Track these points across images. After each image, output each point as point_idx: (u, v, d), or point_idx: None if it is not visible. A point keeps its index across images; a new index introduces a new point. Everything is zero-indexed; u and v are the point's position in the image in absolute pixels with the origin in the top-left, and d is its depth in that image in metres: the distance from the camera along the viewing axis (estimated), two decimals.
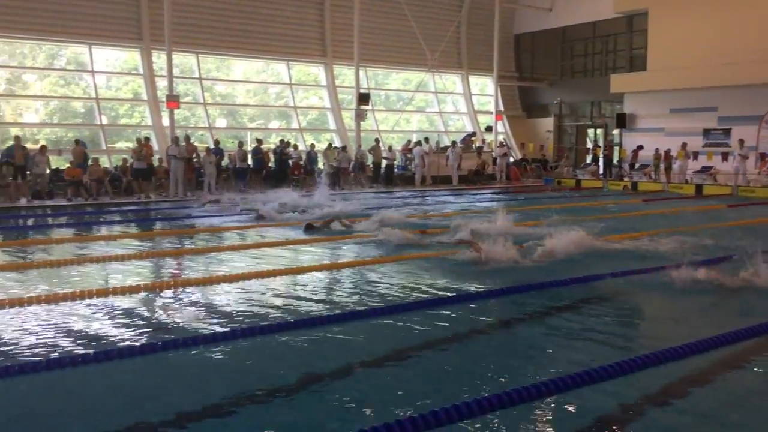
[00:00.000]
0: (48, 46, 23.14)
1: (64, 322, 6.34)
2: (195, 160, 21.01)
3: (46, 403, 4.57)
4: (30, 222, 15.52)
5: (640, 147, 26.03)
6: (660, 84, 26.03)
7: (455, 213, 15.21)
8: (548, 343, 5.88)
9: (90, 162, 19.60)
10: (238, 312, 6.72)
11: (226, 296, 7.47)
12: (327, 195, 17.38)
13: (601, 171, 27.70)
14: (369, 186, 23.83)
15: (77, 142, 20.28)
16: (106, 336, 5.95)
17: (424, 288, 7.79)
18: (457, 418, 3.95)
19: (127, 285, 7.80)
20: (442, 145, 26.65)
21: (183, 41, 23.05)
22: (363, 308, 6.80)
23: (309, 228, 12.23)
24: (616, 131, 28.69)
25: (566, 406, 4.46)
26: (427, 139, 25.97)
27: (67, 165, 19.44)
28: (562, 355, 5.52)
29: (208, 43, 24.52)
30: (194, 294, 7.56)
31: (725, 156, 23.98)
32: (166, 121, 22.29)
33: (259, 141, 23.10)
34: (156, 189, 20.35)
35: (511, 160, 28.53)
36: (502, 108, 31.21)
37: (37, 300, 7.06)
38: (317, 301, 7.23)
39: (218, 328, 6.13)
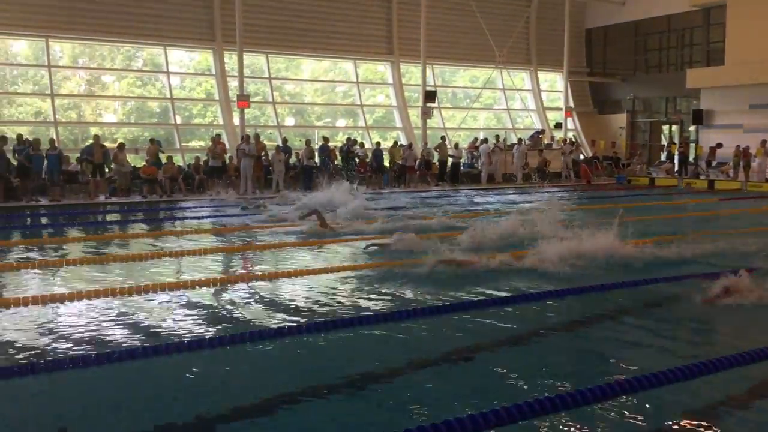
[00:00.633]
0: (125, 48, 24.04)
1: (134, 314, 6.58)
2: (264, 157, 21.44)
3: (116, 392, 4.76)
4: (108, 218, 16.15)
5: (719, 145, 25.09)
6: (739, 78, 24.97)
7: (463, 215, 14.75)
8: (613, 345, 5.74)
9: (165, 160, 20.26)
10: (301, 307, 6.83)
11: (288, 292, 7.58)
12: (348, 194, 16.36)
13: (676, 169, 26.79)
14: (435, 184, 23.77)
15: (152, 141, 20.97)
16: (176, 328, 6.14)
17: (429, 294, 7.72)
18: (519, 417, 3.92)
19: (197, 279, 8.03)
20: (509, 143, 26.32)
21: (253, 42, 23.54)
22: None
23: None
24: (692, 128, 27.71)
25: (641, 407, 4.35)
26: (498, 137, 25.69)
27: (143, 163, 20.14)
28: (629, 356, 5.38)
29: (278, 43, 24.97)
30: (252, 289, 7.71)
31: None
32: (236, 121, 22.83)
33: (326, 139, 23.36)
34: (227, 186, 20.84)
35: (581, 157, 27.93)
36: (572, 104, 30.60)
37: (112, 293, 7.35)
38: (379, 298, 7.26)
39: (286, 322, 6.25)
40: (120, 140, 21.39)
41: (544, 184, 24.41)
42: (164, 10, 22.90)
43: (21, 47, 22.64)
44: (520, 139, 26.51)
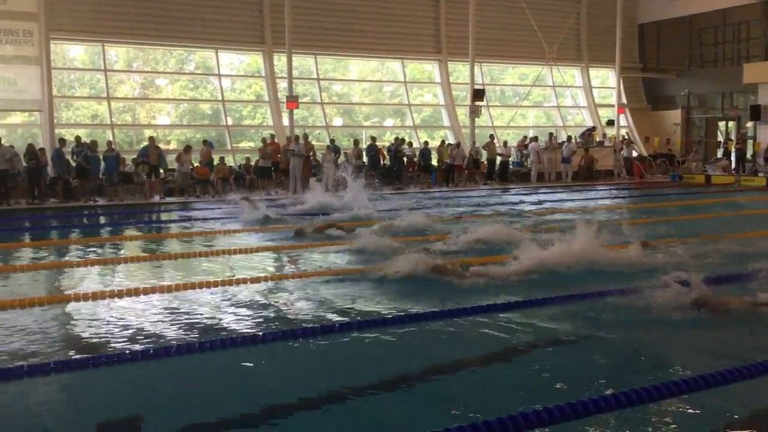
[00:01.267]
0: (178, 52, 24.57)
1: (186, 310, 6.73)
2: (312, 157, 21.64)
3: (172, 385, 4.88)
4: (163, 217, 16.50)
5: None
6: None
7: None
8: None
9: (216, 161, 20.63)
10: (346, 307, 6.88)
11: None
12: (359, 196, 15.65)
13: (733, 166, 26.01)
14: (483, 183, 23.60)
15: (205, 142, 21.37)
16: (226, 324, 6.25)
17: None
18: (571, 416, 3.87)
19: (248, 276, 8.15)
20: (559, 141, 25.96)
21: (302, 44, 23.75)
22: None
23: (299, 234, 11.30)
24: (750, 123, 26.85)
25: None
26: (550, 135, 25.37)
27: (196, 164, 20.54)
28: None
29: (326, 44, 25.15)
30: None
31: None
32: (285, 121, 23.09)
33: (374, 139, 23.43)
34: (276, 186, 21.09)
35: (634, 154, 27.36)
36: (624, 101, 29.99)
37: (167, 289, 7.53)
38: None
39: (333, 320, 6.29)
40: (173, 143, 21.84)
41: (594, 182, 24.01)
42: (215, 14, 23.30)
43: (78, 52, 23.36)
44: (569, 137, 26.09)
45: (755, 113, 25.80)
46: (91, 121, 23.14)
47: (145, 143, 19.92)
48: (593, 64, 30.67)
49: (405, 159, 23.07)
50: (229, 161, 22.21)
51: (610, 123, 29.34)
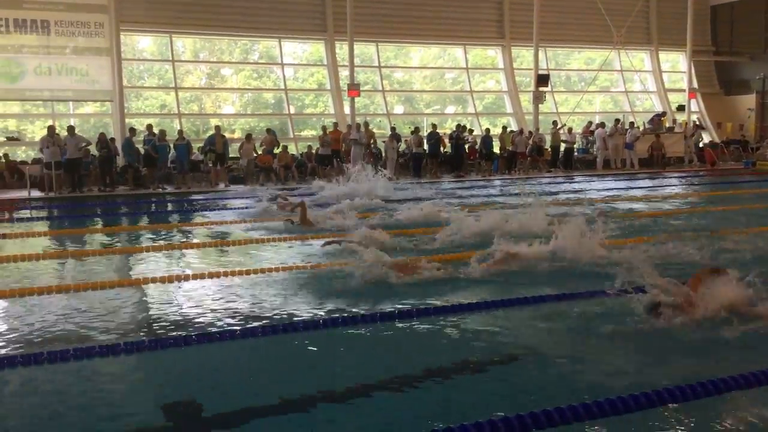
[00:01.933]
0: (242, 42, 24.97)
1: (247, 295, 6.85)
2: (373, 145, 21.69)
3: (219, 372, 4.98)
4: (227, 204, 16.77)
5: None
6: None
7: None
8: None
9: (279, 149, 20.90)
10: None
11: None
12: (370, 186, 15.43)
13: None
14: (547, 170, 23.18)
15: (268, 131, 21.68)
16: (283, 309, 6.33)
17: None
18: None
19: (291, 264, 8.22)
20: (625, 127, 25.24)
21: (364, 31, 23.78)
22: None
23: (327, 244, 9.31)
24: None
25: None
26: (617, 121, 24.74)
27: (259, 152, 20.85)
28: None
29: (387, 32, 25.11)
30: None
31: None
32: (347, 109, 23.20)
33: (434, 126, 23.29)
34: (338, 174, 21.18)
35: (707, 140, 26.38)
36: (695, 85, 28.91)
37: (231, 273, 7.67)
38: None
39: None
40: (238, 131, 22.22)
41: (663, 169, 23.25)
42: (279, 3, 23.56)
43: (147, 44, 24.01)
44: (631, 123, 25.33)
45: None
46: (159, 110, 23.79)
47: (211, 132, 20.35)
48: (663, 47, 29.66)
49: (466, 146, 22.86)
50: (292, 149, 22.46)
51: (681, 108, 28.35)
